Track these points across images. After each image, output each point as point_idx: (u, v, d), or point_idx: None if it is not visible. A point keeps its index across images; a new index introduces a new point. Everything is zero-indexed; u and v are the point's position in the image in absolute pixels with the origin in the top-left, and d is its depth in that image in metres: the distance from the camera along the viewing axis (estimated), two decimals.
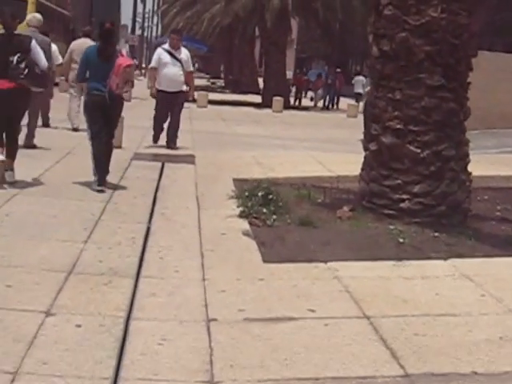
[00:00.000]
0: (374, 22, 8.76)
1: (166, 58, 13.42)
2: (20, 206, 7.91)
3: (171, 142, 13.67)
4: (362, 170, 8.92)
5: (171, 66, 13.39)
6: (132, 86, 9.38)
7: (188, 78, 13.71)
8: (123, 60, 9.15)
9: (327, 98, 36.35)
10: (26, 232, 6.81)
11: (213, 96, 33.56)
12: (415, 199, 8.13)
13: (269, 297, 5.52)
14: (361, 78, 36.33)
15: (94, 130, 9.14)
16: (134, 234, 7.01)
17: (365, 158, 8.90)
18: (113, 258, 6.25)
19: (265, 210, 7.83)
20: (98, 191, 8.81)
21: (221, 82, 70.25)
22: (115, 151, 12.27)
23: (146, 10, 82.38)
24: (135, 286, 5.59)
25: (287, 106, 31.26)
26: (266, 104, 32.64)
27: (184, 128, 18.42)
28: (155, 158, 12.27)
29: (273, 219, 7.72)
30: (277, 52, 34.63)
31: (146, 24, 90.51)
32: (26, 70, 8.20)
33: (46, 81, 8.85)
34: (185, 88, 13.61)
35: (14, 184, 8.71)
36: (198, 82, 44.64)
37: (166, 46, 13.67)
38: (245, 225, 7.60)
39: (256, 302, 5.38)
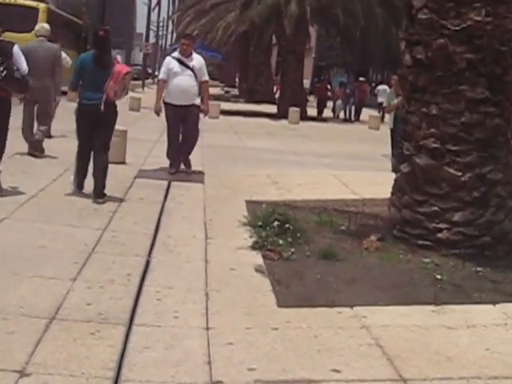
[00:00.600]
0: (407, 27, 8.02)
1: (176, 66, 11.69)
2: (6, 233, 7.19)
3: (185, 164, 12.10)
4: (393, 194, 8.15)
5: (181, 75, 11.65)
6: (127, 93, 9.39)
7: (203, 88, 11.90)
8: (122, 67, 9.19)
9: (347, 108, 34.73)
10: (8, 267, 6.06)
11: (226, 106, 32.88)
12: (455, 229, 7.36)
13: (284, 352, 4.76)
14: (384, 87, 35.51)
15: (83, 140, 9.26)
16: (130, 270, 6.25)
17: (396, 180, 8.13)
18: (103, 299, 5.49)
19: (281, 242, 7.06)
20: (97, 202, 8.89)
21: (235, 91, 69.72)
22: (118, 167, 11.67)
23: (161, 18, 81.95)
24: (126, 337, 4.84)
25: (304, 116, 30.43)
26: (281, 115, 31.89)
27: None
28: (161, 175, 11.50)
29: (290, 252, 6.94)
30: (294, 60, 33.90)
31: (160, 32, 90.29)
32: (4, 73, 8.30)
33: (24, 86, 8.82)
34: (198, 101, 11.88)
35: None
36: (211, 90, 44.15)
37: (176, 53, 11.98)
38: (258, 258, 6.84)
39: (269, 359, 4.63)
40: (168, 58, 12.18)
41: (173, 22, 58.39)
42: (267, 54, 50.93)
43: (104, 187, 9.11)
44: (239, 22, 31.61)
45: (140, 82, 53.08)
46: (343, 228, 8.52)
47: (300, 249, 7.18)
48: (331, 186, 11.07)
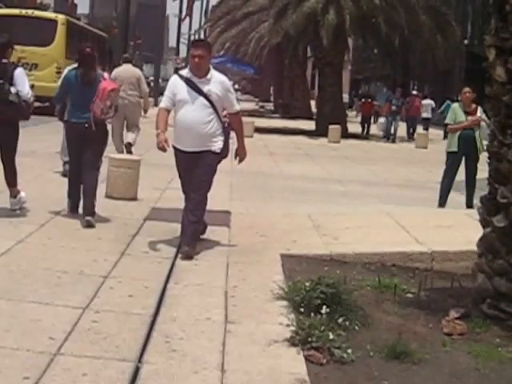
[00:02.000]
0: (497, 30, 5.98)
1: (183, 91, 7.80)
2: None
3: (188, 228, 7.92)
4: (480, 255, 6.10)
5: (190, 104, 7.77)
6: (116, 110, 9.01)
7: (234, 123, 8.19)
8: (107, 84, 8.80)
9: (392, 128, 29.96)
10: None
11: (260, 122, 30.93)
12: None
13: None
14: (429, 101, 33.39)
15: (72, 159, 9.04)
16: None
17: (484, 237, 6.06)
18: None
19: (331, 336, 4.97)
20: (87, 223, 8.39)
21: (270, 106, 67.83)
22: (127, 206, 9.71)
23: (192, 31, 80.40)
24: None
25: (345, 134, 28.30)
26: (320, 132, 29.88)
27: (222, 166, 15.76)
28: (178, 216, 9.49)
29: (345, 351, 4.87)
30: (332, 73, 31.78)
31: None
32: None
33: (22, 110, 8.42)
34: (217, 145, 7.98)
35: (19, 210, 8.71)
36: (245, 105, 42.14)
37: (186, 70, 8.10)
38: (298, 361, 4.78)
39: None
40: (174, 78, 8.18)
41: (205, 33, 56.56)
42: (303, 67, 48.98)
43: (93, 206, 8.66)
44: (273, 32, 29.49)
45: None
46: (410, 295, 6.49)
47: (357, 340, 5.14)
48: (387, 230, 8.97)
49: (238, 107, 8.24)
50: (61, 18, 29.35)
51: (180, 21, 59.89)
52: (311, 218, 9.65)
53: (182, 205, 10.05)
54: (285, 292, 6.05)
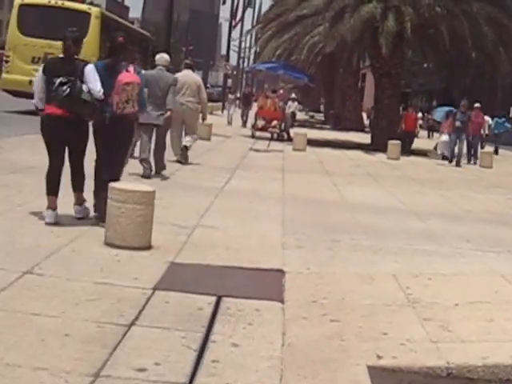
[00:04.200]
0: None
1: None
2: None
3: None
4: None
5: None
6: (133, 106, 8.04)
7: None
8: (123, 76, 8.00)
9: (455, 149, 23.39)
10: None
11: (312, 134, 27.67)
12: None
13: None
14: (486, 118, 29.34)
15: (97, 154, 8.20)
16: None
17: None
18: None
19: None
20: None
21: (320, 116, 64.46)
22: (132, 260, 6.55)
23: (243, 38, 77.34)
24: None
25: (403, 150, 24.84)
26: (376, 146, 26.59)
27: (273, 189, 12.56)
28: (206, 280, 6.26)
29: None
30: (390, 84, 28.28)
31: (242, 54, 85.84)
32: (67, 92, 7.49)
33: (92, 110, 7.68)
34: None
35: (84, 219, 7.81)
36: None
37: None
38: None
39: None
40: None
41: (256, 37, 53.34)
42: (355, 77, 45.64)
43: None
44: (328, 38, 26.17)
45: (220, 104, 48.37)
46: None
47: None
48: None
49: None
50: (95, 10, 26.02)
51: (230, 27, 56.78)
52: (401, 285, 6.41)
53: (216, 257, 6.90)
54: None
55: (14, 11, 25.36)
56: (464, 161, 23.70)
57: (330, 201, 11.86)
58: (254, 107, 34.63)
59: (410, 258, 7.76)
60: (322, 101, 76.29)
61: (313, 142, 25.21)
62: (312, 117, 62.13)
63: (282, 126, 27.36)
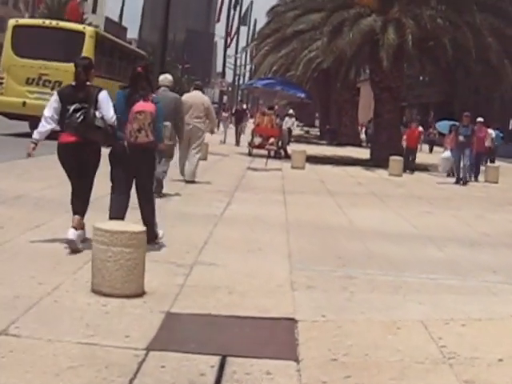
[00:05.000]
0: None
1: None
2: None
3: None
4: None
5: None
6: (146, 135, 7.74)
7: None
8: (137, 105, 7.79)
9: (460, 166, 21.46)
10: None
11: (309, 149, 26.75)
12: None
13: None
14: (489, 131, 28.37)
15: (114, 184, 8.03)
16: None
17: None
18: None
19: None
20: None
21: (315, 131, 63.75)
22: (124, 307, 5.64)
23: (239, 54, 76.77)
24: None
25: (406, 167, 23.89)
26: (375, 162, 25.79)
27: (275, 213, 11.65)
28: (208, 334, 5.33)
29: None
30: (390, 99, 27.43)
31: (238, 71, 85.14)
32: (80, 119, 7.52)
33: (105, 135, 7.67)
34: None
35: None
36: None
37: None
38: None
39: None
40: None
41: (251, 55, 52.58)
42: (352, 92, 44.81)
43: (153, 231, 7.89)
44: (326, 52, 25.28)
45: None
46: None
47: None
48: None
49: None
50: (89, 30, 25.37)
51: (226, 45, 56.11)
52: (431, 335, 5.50)
53: (218, 303, 6.00)
54: None
55: (8, 32, 24.62)
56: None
57: (336, 226, 10.95)
58: (250, 124, 33.68)
59: (435, 297, 6.84)
60: (316, 115, 75.59)
61: (311, 159, 24.39)
62: (307, 132, 61.45)
63: (280, 143, 26.56)
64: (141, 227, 6.12)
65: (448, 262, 8.70)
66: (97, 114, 7.60)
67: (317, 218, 11.70)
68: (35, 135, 7.79)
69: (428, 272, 7.95)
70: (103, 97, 7.76)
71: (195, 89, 15.88)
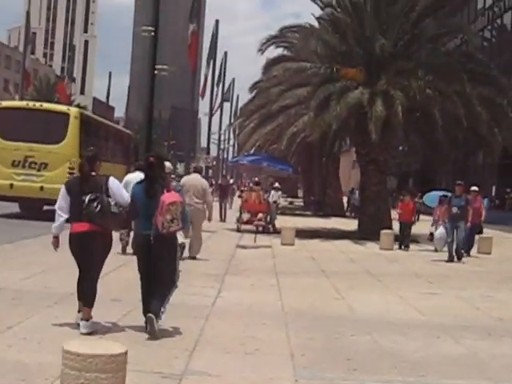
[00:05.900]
0: None
1: None
2: None
3: None
4: None
5: None
6: (178, 224, 7.78)
7: None
8: (167, 196, 7.77)
9: (454, 240, 18.93)
10: None
11: (295, 221, 25.68)
12: None
13: None
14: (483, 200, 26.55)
15: (141, 275, 7.99)
16: None
17: None
18: None
19: None
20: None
21: (299, 202, 62.91)
22: None
23: (222, 130, 76.52)
24: None
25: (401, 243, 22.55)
26: (363, 235, 24.72)
27: (270, 301, 10.45)
28: None
29: None
30: (377, 172, 26.49)
31: (222, 145, 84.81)
32: (98, 208, 7.54)
33: (121, 220, 7.85)
34: None
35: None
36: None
37: None
38: None
39: None
40: None
41: (234, 131, 52.07)
42: (336, 164, 44.05)
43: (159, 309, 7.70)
44: (313, 126, 24.33)
45: None
46: None
47: None
48: None
49: None
50: (73, 110, 24.57)
51: (210, 123, 55.70)
52: None
53: None
54: None
55: None
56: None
57: (338, 315, 9.73)
58: (235, 200, 32.35)
59: None
60: (299, 186, 74.84)
61: (299, 233, 23.19)
62: (291, 203, 60.49)
63: (268, 218, 25.53)
64: (120, 348, 4.86)
65: (471, 359, 7.53)
66: (110, 200, 7.68)
67: (315, 305, 10.49)
68: (54, 230, 7.79)
69: (452, 375, 6.76)
70: (114, 184, 7.87)
71: (194, 171, 16.40)
